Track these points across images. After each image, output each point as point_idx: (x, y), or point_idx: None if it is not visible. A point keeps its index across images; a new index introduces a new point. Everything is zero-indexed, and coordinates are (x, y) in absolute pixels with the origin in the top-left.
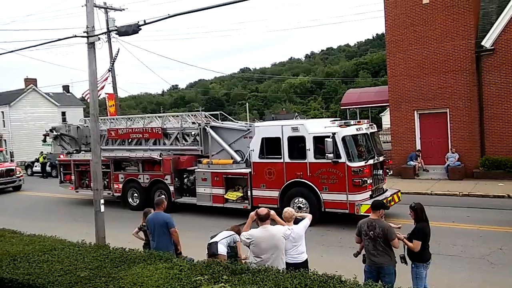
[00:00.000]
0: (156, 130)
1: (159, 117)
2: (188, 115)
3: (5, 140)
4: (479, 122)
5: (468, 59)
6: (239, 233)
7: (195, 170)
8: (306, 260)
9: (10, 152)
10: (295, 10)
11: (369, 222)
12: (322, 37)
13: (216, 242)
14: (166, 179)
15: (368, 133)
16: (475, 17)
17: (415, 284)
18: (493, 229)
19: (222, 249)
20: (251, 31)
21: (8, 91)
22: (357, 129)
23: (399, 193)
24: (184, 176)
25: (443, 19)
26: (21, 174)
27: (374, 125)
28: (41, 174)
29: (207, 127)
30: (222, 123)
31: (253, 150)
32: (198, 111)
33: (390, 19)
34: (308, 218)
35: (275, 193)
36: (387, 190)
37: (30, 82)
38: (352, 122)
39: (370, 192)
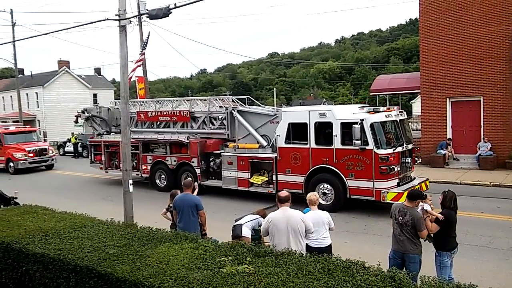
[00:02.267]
0: (184, 113)
1: (187, 100)
2: (216, 99)
3: (38, 121)
4: None
5: (505, 45)
6: (264, 216)
7: (221, 153)
8: (330, 245)
9: (44, 132)
10: None
11: (401, 208)
12: (353, 22)
13: (241, 225)
14: (193, 162)
15: (398, 120)
16: None
17: (439, 273)
18: None
19: (247, 232)
20: (280, 15)
21: (42, 73)
22: (386, 116)
23: (427, 182)
24: (211, 159)
25: (479, 3)
26: (53, 153)
27: (404, 112)
28: (73, 154)
29: (234, 111)
30: (249, 108)
31: (279, 135)
32: (226, 95)
33: (424, 3)
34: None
35: (300, 179)
36: (415, 178)
37: (63, 64)
38: (381, 108)
39: (397, 180)
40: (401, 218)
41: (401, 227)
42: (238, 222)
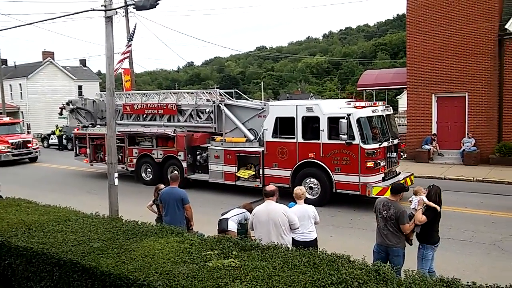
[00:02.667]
0: (171, 106)
1: (174, 93)
2: (203, 92)
3: (22, 112)
4: (498, 108)
5: (490, 42)
6: (250, 211)
7: (208, 147)
8: (316, 239)
9: (27, 124)
10: None
11: (385, 202)
12: (341, 17)
13: (227, 219)
14: (179, 155)
15: (384, 115)
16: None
17: (420, 266)
18: (506, 216)
19: (233, 226)
20: (268, 9)
21: (26, 64)
22: (372, 111)
23: (412, 177)
24: (197, 153)
25: (466, 0)
26: (37, 146)
27: (390, 107)
28: (57, 147)
29: (221, 104)
30: (237, 101)
31: (267, 129)
32: (213, 88)
33: None
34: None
35: (287, 173)
36: (400, 173)
37: (48, 55)
38: (367, 103)
39: (382, 175)
40: (385, 212)
41: (385, 221)
42: (224, 216)
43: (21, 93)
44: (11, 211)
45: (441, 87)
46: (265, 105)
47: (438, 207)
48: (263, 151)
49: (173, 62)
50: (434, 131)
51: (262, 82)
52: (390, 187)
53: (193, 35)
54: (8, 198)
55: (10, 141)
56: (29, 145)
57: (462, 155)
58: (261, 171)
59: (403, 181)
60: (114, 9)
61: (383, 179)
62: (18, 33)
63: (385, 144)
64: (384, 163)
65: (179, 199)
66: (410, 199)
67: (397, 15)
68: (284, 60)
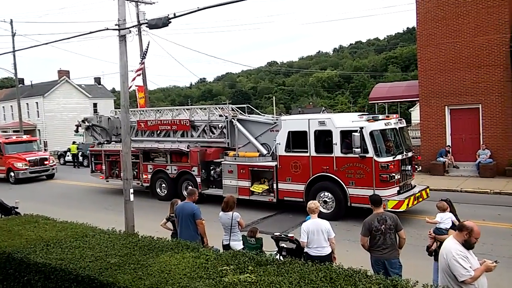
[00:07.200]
0: (184, 122)
1: (187, 109)
2: (216, 108)
3: (39, 130)
4: None
5: (502, 53)
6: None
7: (222, 162)
8: (330, 254)
9: (44, 141)
10: (324, 3)
11: (378, 217)
12: (351, 31)
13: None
14: (193, 171)
15: (397, 128)
16: (509, 11)
17: (435, 277)
18: None
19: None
20: (279, 25)
21: (42, 83)
22: (385, 124)
23: (427, 190)
24: (211, 168)
25: (476, 12)
26: (54, 163)
27: (403, 120)
28: (73, 164)
29: (234, 120)
30: (249, 116)
31: (279, 144)
32: (225, 104)
33: (421, 12)
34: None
35: (300, 187)
36: (415, 186)
37: (63, 73)
38: (380, 116)
39: (397, 188)
40: (383, 226)
41: (385, 235)
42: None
43: (37, 111)
44: (29, 227)
45: (454, 99)
46: (277, 119)
47: (446, 236)
48: (276, 165)
49: (185, 79)
50: (449, 143)
51: (273, 97)
52: (370, 202)
53: (204, 52)
54: (26, 215)
55: (27, 159)
56: (46, 162)
57: (478, 167)
58: (274, 185)
59: (419, 194)
60: (128, 28)
61: (398, 192)
62: (35, 53)
63: (399, 157)
64: (399, 176)
65: (191, 214)
66: (438, 218)
67: (407, 28)
68: (295, 74)
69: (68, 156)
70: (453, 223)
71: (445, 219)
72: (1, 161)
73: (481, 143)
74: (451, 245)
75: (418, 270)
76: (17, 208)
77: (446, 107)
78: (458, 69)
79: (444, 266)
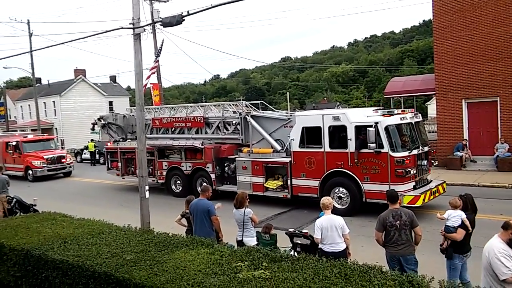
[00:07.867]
0: (198, 119)
1: (201, 106)
2: (229, 105)
3: (56, 129)
4: None
5: None
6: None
7: (236, 158)
8: (345, 250)
9: (61, 139)
10: None
11: (393, 212)
12: (366, 25)
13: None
14: (208, 167)
15: (413, 122)
16: None
17: (449, 275)
18: None
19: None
20: (292, 20)
21: (59, 82)
22: (401, 118)
23: (444, 184)
24: (225, 164)
25: (494, 3)
26: (71, 161)
27: (419, 114)
28: (90, 161)
29: (248, 116)
30: (263, 113)
31: (293, 139)
32: (239, 100)
33: (437, 5)
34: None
35: (315, 183)
36: (431, 181)
37: (79, 72)
38: (395, 111)
39: (413, 183)
40: (398, 222)
41: (400, 231)
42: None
43: (54, 110)
44: (47, 224)
45: (471, 92)
46: (291, 115)
47: (454, 234)
48: (290, 161)
49: (199, 76)
50: (466, 137)
51: (287, 93)
52: (386, 197)
53: (218, 49)
54: (44, 212)
55: (45, 157)
56: (63, 160)
57: (496, 161)
58: (289, 181)
59: (435, 188)
60: (142, 26)
61: (414, 188)
62: (51, 53)
63: (415, 151)
64: (415, 171)
65: (206, 211)
66: (446, 215)
67: (423, 21)
68: (309, 70)
69: (85, 154)
70: (462, 221)
71: (453, 217)
72: (20, 160)
73: (499, 136)
74: (495, 243)
75: (434, 266)
76: (35, 205)
77: (463, 100)
78: (475, 61)
79: (486, 264)
